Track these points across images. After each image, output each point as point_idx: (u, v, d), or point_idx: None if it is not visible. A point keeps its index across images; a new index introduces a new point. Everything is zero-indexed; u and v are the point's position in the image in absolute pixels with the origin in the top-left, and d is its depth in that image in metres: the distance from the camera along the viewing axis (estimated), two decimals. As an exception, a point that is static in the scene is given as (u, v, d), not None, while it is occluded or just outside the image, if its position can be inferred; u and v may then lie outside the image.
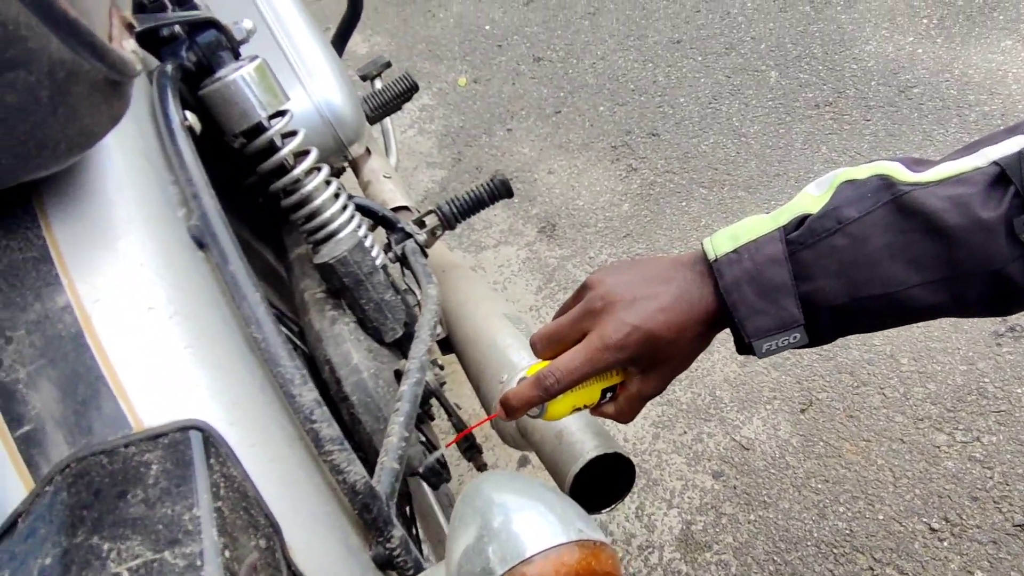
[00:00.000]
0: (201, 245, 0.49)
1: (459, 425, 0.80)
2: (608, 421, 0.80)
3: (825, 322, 0.53)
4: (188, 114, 0.56)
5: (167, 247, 0.46)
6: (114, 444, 0.37)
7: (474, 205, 1.07)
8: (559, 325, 0.59)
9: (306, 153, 0.70)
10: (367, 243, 0.73)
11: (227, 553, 0.34)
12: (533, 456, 1.18)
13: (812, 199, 0.53)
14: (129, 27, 0.46)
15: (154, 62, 0.62)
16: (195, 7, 0.67)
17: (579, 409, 0.60)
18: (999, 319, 1.47)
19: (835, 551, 1.25)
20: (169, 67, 0.59)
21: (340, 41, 1.35)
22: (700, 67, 2.28)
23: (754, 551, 1.28)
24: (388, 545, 0.48)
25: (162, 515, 0.35)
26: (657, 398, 0.68)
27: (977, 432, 1.34)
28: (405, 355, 0.69)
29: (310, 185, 0.70)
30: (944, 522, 1.25)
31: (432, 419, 0.80)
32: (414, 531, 0.83)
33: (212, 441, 0.39)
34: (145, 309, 0.42)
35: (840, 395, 1.46)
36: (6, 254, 0.42)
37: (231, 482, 0.38)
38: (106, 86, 0.41)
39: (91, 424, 0.38)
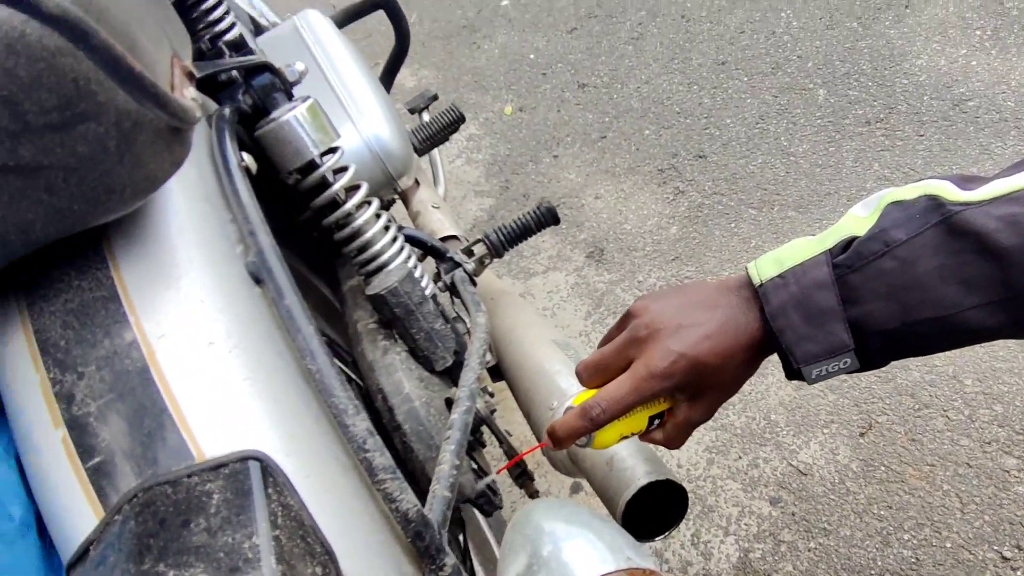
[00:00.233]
0: (258, 281, 0.50)
1: (510, 452, 0.81)
2: (659, 447, 0.79)
3: (876, 346, 0.52)
4: (245, 155, 0.58)
5: (226, 284, 0.48)
6: (178, 475, 0.39)
7: (521, 233, 1.09)
8: (604, 354, 0.59)
9: (357, 187, 0.72)
10: (417, 273, 0.74)
11: (285, 580, 0.35)
12: (585, 483, 1.18)
13: (859, 221, 0.52)
14: (189, 75, 0.49)
15: (213, 105, 0.65)
16: (251, 52, 0.70)
17: (626, 437, 0.60)
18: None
19: (901, 580, 1.21)
20: (227, 111, 0.62)
21: (388, 76, 1.38)
22: (746, 87, 2.26)
23: (815, 580, 1.25)
24: (441, 573, 0.48)
25: (223, 543, 0.36)
26: (709, 423, 0.68)
27: (1049, 455, 1.29)
28: (455, 383, 0.70)
29: (361, 219, 0.72)
30: (1017, 550, 1.20)
31: (484, 446, 0.81)
32: (467, 559, 0.83)
33: (270, 471, 0.40)
34: (206, 344, 0.44)
35: (901, 418, 1.41)
36: (78, 294, 0.45)
37: (288, 511, 0.40)
38: (168, 133, 0.43)
39: (156, 455, 0.40)
